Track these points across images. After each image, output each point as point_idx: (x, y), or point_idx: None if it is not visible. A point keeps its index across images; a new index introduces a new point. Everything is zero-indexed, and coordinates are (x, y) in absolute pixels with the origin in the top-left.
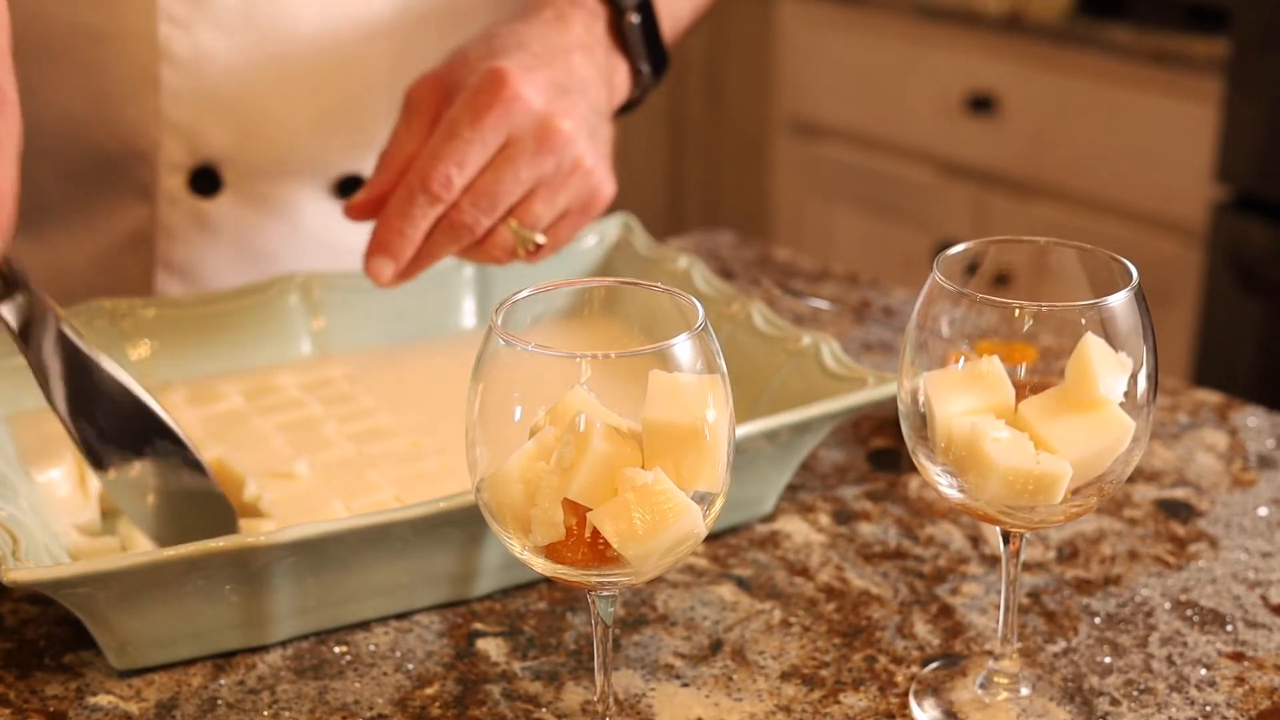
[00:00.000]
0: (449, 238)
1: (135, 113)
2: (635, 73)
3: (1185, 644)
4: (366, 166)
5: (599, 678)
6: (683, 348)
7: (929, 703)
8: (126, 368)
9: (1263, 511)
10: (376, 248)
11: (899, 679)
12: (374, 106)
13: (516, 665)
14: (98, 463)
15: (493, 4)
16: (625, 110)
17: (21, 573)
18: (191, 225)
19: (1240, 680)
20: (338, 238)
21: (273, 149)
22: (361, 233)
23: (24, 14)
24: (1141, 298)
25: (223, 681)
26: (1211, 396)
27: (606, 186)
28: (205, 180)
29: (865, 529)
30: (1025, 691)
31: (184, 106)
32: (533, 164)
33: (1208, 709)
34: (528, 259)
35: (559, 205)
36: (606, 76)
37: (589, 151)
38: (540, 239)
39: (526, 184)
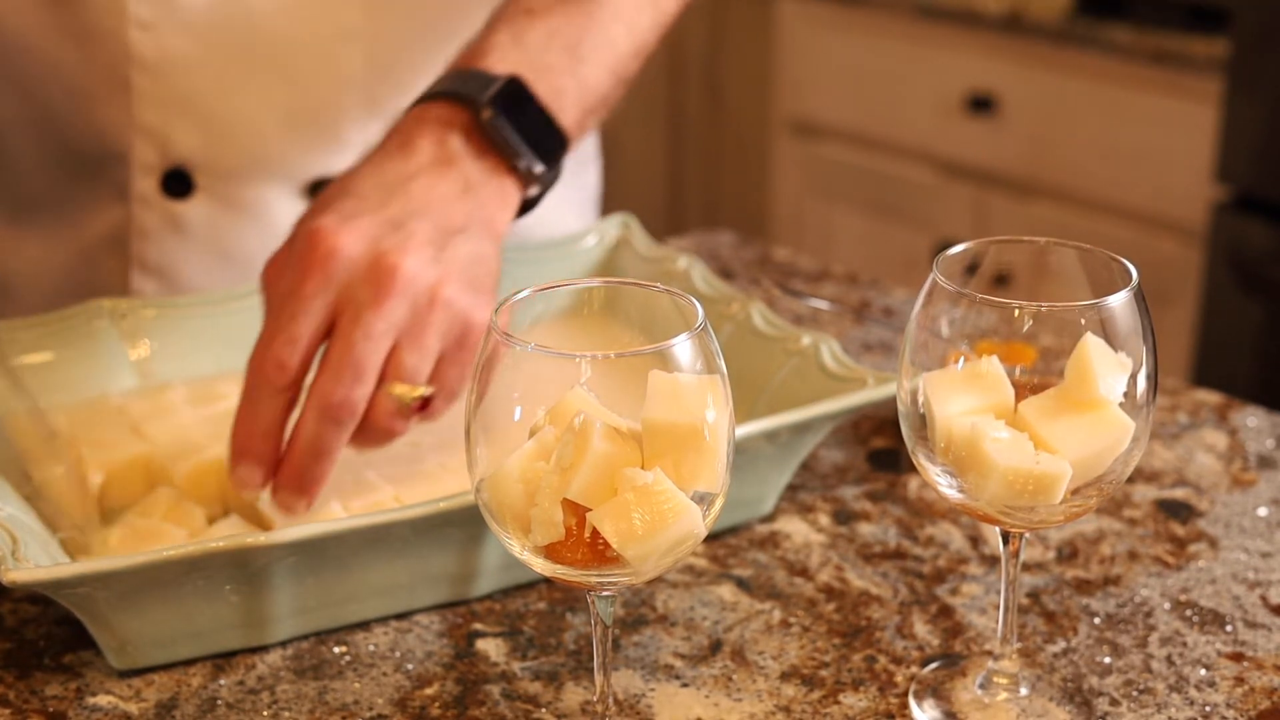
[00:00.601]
0: (328, 424)
1: (108, 114)
2: (516, 170)
3: (1185, 644)
4: (339, 169)
5: (599, 678)
6: (682, 348)
7: (928, 703)
8: (127, 368)
9: (1262, 512)
10: (236, 455)
11: (899, 679)
12: (347, 108)
13: (516, 665)
14: None
15: (466, 4)
16: (536, 201)
17: (21, 573)
18: (164, 227)
19: (1240, 680)
20: None
21: (243, 151)
22: None
23: None
24: (1141, 298)
25: (222, 682)
26: (1211, 397)
27: (476, 313)
28: (177, 182)
29: (865, 529)
30: (1025, 692)
31: (154, 109)
32: (379, 315)
33: (1207, 709)
34: (425, 417)
35: (431, 348)
36: (472, 186)
37: (444, 280)
38: (425, 390)
39: (383, 337)
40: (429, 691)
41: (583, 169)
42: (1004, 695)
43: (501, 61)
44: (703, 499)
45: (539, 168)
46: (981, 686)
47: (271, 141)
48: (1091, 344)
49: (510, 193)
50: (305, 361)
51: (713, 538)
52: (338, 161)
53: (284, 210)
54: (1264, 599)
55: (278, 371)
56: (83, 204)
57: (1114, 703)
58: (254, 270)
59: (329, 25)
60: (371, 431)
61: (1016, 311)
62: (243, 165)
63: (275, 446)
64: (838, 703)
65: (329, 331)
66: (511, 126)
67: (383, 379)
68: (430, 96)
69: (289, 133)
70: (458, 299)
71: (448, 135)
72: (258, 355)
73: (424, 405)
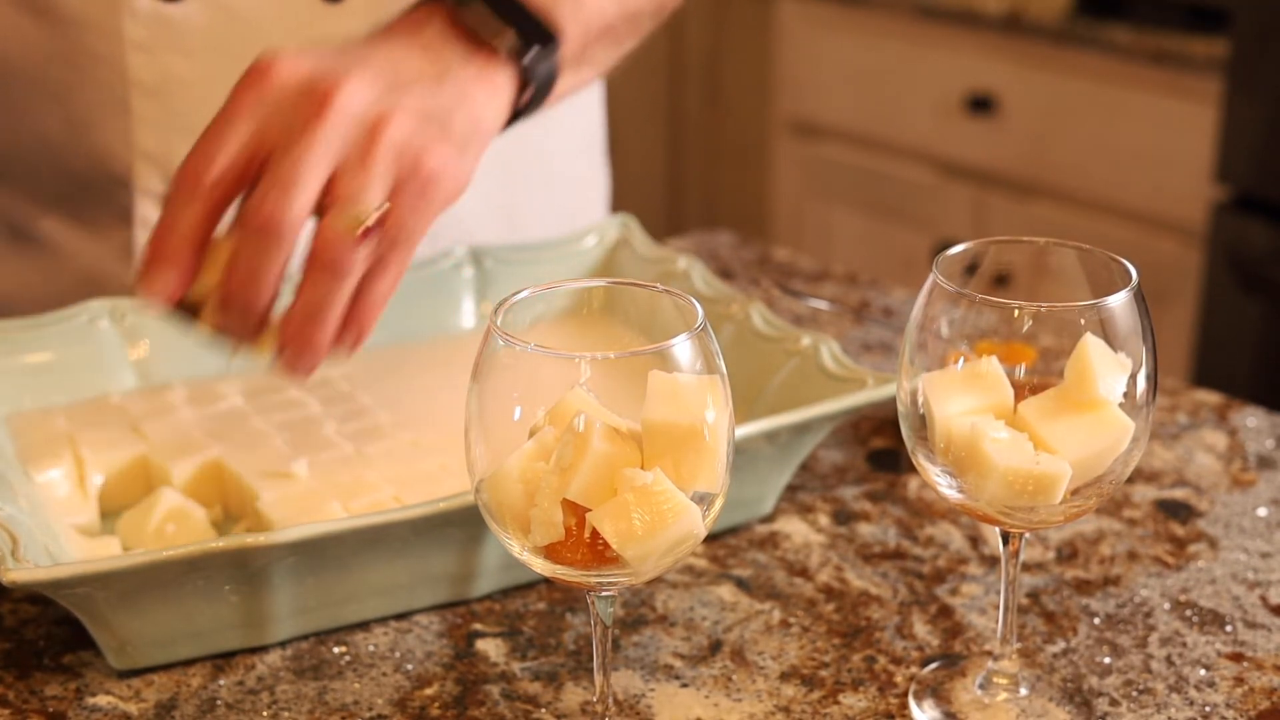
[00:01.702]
0: (258, 243)
1: (109, 139)
2: (492, 50)
3: (1184, 644)
4: None
5: (598, 678)
6: (682, 348)
7: (928, 703)
8: (126, 368)
9: (1262, 512)
10: (145, 262)
11: (898, 679)
12: None
13: (516, 665)
14: None
15: None
16: (532, 105)
17: (21, 573)
18: None
19: (1239, 681)
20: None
21: None
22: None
23: None
24: (1141, 298)
25: (222, 682)
26: (1211, 397)
27: (432, 154)
28: None
29: (865, 529)
30: (1025, 692)
31: (155, 133)
32: (312, 139)
33: (1207, 709)
34: (380, 265)
35: (376, 178)
36: (450, 69)
37: (390, 114)
38: (376, 212)
39: (317, 163)
40: (429, 692)
41: (595, 174)
42: (1004, 695)
43: None
44: (702, 499)
45: (527, 53)
46: (981, 687)
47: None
48: (1091, 344)
49: (498, 82)
50: (225, 175)
51: (712, 538)
52: None
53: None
54: (1264, 599)
55: (191, 178)
56: (88, 227)
57: (1114, 703)
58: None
59: (330, 42)
60: (319, 262)
61: (1016, 312)
62: None
63: (189, 254)
64: (837, 703)
65: (258, 163)
66: (492, 11)
67: (324, 211)
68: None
69: None
70: (408, 137)
71: (424, 25)
72: (177, 170)
73: (374, 231)
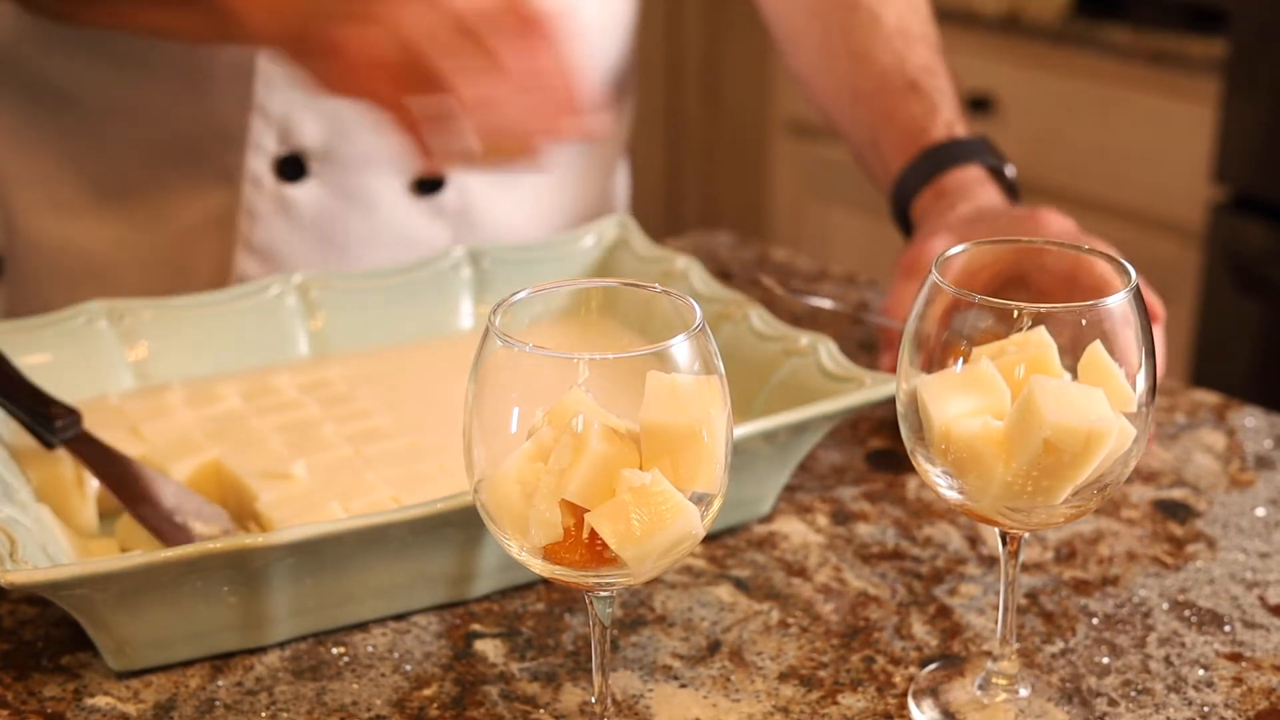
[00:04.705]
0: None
1: (229, 98)
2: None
3: (1183, 644)
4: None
5: (597, 678)
6: (681, 349)
7: (927, 704)
8: (125, 368)
9: (1260, 512)
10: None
11: (897, 680)
12: None
13: (514, 666)
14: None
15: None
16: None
17: (19, 574)
18: (275, 209)
19: (1238, 681)
20: (410, 230)
21: (360, 142)
22: (433, 226)
23: None
24: (1140, 298)
25: (221, 683)
26: (1209, 397)
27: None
28: (291, 166)
29: (863, 529)
30: (1024, 692)
31: (278, 95)
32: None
33: (1205, 709)
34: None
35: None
36: None
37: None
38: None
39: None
40: (427, 692)
41: (620, 186)
42: (1003, 696)
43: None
44: (701, 499)
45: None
46: (980, 687)
47: (387, 131)
48: (1101, 350)
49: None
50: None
51: (711, 538)
52: None
53: (389, 200)
54: (1262, 599)
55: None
56: (184, 187)
57: (1112, 703)
58: (354, 256)
59: None
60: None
61: (1016, 312)
62: (358, 153)
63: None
64: (836, 703)
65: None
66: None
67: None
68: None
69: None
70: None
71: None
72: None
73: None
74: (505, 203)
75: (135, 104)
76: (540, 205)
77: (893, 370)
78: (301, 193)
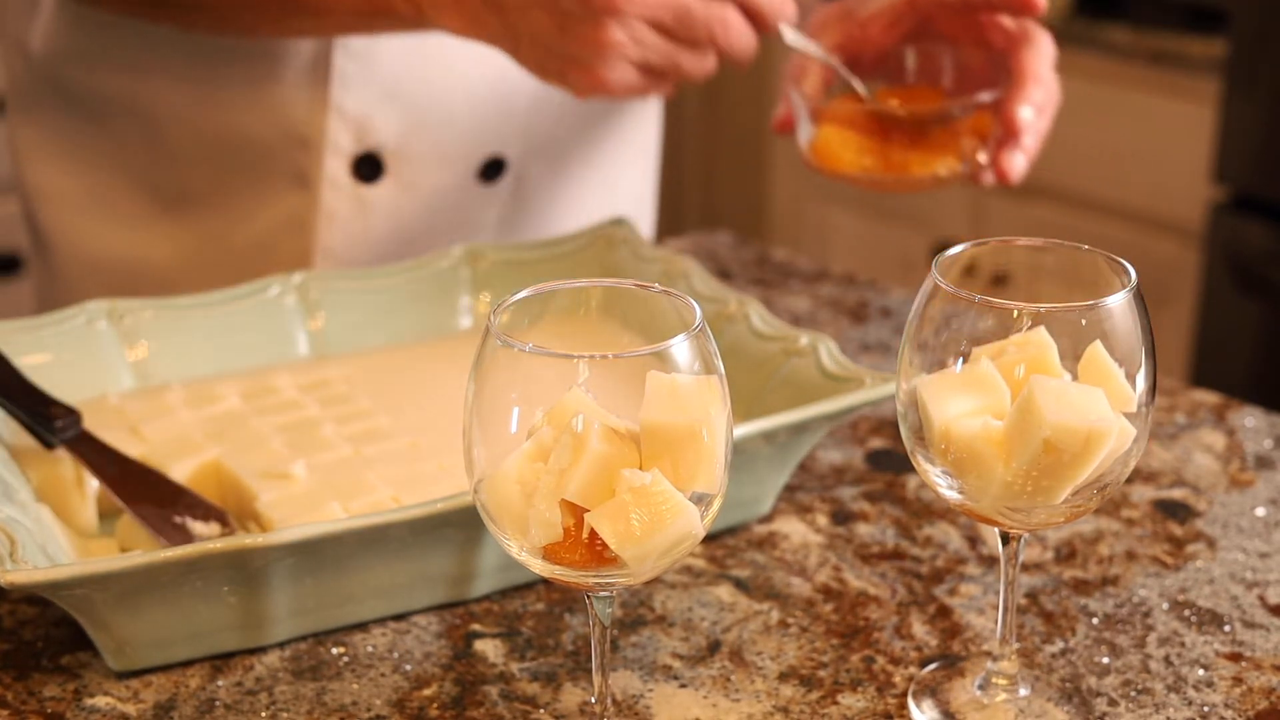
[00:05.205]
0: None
1: (304, 100)
2: None
3: (1183, 644)
4: (509, 147)
5: (597, 678)
6: (680, 349)
7: (927, 704)
8: (125, 369)
9: (1260, 512)
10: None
11: (897, 680)
12: (518, 78)
13: (514, 666)
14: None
15: None
16: None
17: (19, 574)
18: (352, 210)
19: (1238, 680)
20: (473, 219)
21: (435, 135)
22: (487, 213)
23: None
24: (1140, 298)
25: (220, 683)
26: (1209, 397)
27: None
28: (367, 166)
29: (863, 529)
30: (1023, 692)
31: (354, 94)
32: None
33: (1205, 709)
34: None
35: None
36: None
37: None
38: None
39: None
40: (427, 692)
41: (647, 186)
42: (1003, 696)
43: None
44: (701, 499)
45: None
46: (980, 687)
47: (460, 121)
48: (1101, 350)
49: None
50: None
51: (711, 538)
52: (508, 138)
53: (455, 189)
54: (1262, 599)
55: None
56: (255, 193)
57: (1112, 703)
58: (418, 251)
59: None
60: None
61: (1015, 312)
62: (432, 147)
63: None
64: (836, 703)
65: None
66: None
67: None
68: None
69: (472, 113)
70: None
71: None
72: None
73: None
74: (554, 187)
75: (198, 113)
76: (585, 187)
77: (781, 128)
78: (376, 192)
